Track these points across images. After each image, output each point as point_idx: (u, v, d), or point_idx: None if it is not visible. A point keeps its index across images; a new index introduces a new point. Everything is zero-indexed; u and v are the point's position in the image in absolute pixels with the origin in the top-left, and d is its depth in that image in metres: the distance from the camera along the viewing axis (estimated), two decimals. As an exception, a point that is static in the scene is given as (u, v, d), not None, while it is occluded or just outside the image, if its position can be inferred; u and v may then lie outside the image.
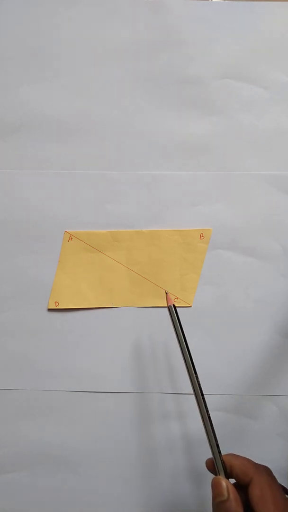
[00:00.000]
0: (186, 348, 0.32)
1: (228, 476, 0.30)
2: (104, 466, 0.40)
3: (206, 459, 0.32)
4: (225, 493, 0.29)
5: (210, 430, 0.31)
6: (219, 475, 0.30)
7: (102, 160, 0.39)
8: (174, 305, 0.33)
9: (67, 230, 0.39)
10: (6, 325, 0.39)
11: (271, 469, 0.31)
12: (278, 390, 0.40)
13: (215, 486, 0.29)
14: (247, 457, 0.31)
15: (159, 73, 0.39)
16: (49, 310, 0.40)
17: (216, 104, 0.39)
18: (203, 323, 0.40)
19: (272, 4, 0.39)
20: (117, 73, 0.39)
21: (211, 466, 0.31)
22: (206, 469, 0.32)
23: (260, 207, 0.40)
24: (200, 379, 0.32)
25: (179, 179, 0.39)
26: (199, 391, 0.31)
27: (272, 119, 0.39)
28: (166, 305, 0.40)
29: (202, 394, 0.31)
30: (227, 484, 0.29)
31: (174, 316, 0.32)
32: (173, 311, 0.33)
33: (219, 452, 0.31)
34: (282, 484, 0.31)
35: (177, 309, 0.33)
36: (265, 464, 0.31)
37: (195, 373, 0.32)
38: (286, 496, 0.30)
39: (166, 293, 0.35)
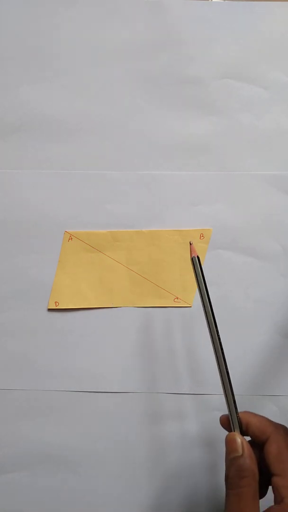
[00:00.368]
0: (206, 294, 0.31)
1: (243, 433, 0.30)
2: (104, 466, 0.40)
3: (221, 415, 0.31)
4: (240, 449, 0.28)
5: (228, 385, 0.30)
6: (234, 431, 0.29)
7: (102, 160, 0.39)
8: (198, 257, 0.31)
9: (67, 230, 0.39)
10: (6, 325, 0.39)
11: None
12: (278, 390, 0.40)
13: (230, 442, 0.29)
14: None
15: (159, 73, 0.39)
16: (49, 310, 0.40)
17: (216, 104, 0.39)
18: (203, 323, 0.40)
19: (272, 4, 0.39)
20: (117, 73, 0.39)
21: (226, 422, 0.30)
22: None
23: (260, 207, 0.40)
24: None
25: (179, 179, 0.39)
26: (217, 338, 0.30)
27: (272, 119, 0.39)
28: (164, 305, 0.40)
29: (221, 344, 0.30)
30: (242, 440, 0.28)
31: (198, 268, 0.31)
32: (196, 262, 0.31)
33: (236, 408, 0.30)
34: None
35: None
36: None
37: (214, 317, 0.31)
38: None
39: (190, 244, 0.33)
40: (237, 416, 0.30)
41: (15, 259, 0.39)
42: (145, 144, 0.39)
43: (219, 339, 0.31)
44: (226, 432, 0.30)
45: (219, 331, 0.31)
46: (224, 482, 0.28)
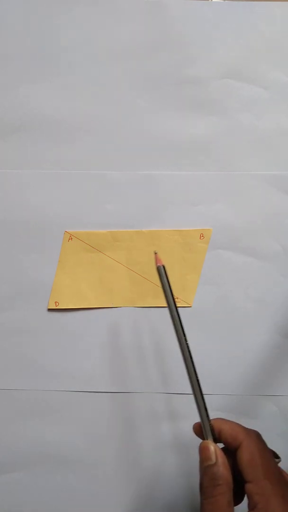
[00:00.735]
0: (173, 304, 0.30)
1: (216, 441, 0.29)
2: (104, 466, 0.40)
3: (194, 423, 0.31)
4: (213, 457, 0.28)
5: (199, 393, 0.30)
6: (207, 439, 0.29)
7: (102, 160, 0.39)
8: (163, 266, 0.31)
9: (67, 230, 0.39)
10: (6, 325, 0.39)
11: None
12: (278, 390, 0.40)
13: (203, 450, 0.29)
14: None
15: (159, 73, 0.39)
16: (49, 310, 0.40)
17: (216, 104, 0.39)
18: (203, 323, 0.40)
19: (272, 4, 0.39)
20: (117, 73, 0.39)
21: (199, 430, 0.30)
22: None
23: (260, 207, 0.40)
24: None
25: (179, 179, 0.39)
26: (186, 349, 0.30)
27: (272, 119, 0.39)
28: (164, 305, 0.40)
29: (191, 355, 0.30)
30: (215, 448, 0.28)
31: (164, 277, 0.31)
32: (162, 272, 0.31)
33: (208, 416, 0.30)
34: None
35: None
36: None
37: (182, 329, 0.30)
38: (276, 460, 0.29)
39: (155, 253, 0.32)
40: (209, 424, 0.30)
41: (15, 259, 0.39)
42: (145, 144, 0.39)
43: (188, 347, 0.30)
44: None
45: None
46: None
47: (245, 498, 0.28)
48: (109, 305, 0.40)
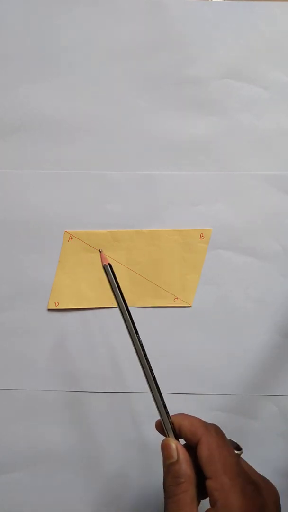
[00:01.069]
0: (123, 303, 0.30)
1: (178, 437, 0.29)
2: (104, 466, 0.40)
3: (156, 420, 0.30)
4: (175, 454, 0.28)
5: (156, 390, 0.30)
6: (169, 436, 0.29)
7: (102, 160, 0.39)
8: (110, 264, 0.31)
9: (67, 230, 0.39)
10: (6, 325, 0.39)
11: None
12: (278, 390, 0.40)
13: (164, 448, 0.28)
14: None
15: (159, 73, 0.39)
16: (49, 310, 0.40)
17: (216, 104, 0.39)
18: (203, 323, 0.40)
19: (272, 4, 0.39)
20: (117, 73, 0.39)
21: (160, 427, 0.30)
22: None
23: (260, 207, 0.40)
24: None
25: (179, 179, 0.39)
26: (141, 350, 0.30)
27: (272, 119, 0.39)
28: (164, 305, 0.40)
29: (145, 354, 0.30)
30: (176, 445, 0.28)
31: (111, 276, 0.31)
32: (108, 270, 0.31)
33: (167, 413, 0.30)
34: (250, 464, 0.30)
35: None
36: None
37: (135, 329, 0.30)
38: (237, 452, 0.29)
39: (100, 252, 0.32)
40: (169, 420, 0.29)
41: (15, 259, 0.39)
42: (145, 144, 0.39)
43: (141, 344, 0.30)
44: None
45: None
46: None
47: None
48: (109, 305, 0.40)
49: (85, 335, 0.40)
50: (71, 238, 0.39)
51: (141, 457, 0.40)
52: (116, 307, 0.39)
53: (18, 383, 0.40)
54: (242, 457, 0.30)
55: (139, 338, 0.30)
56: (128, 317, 0.30)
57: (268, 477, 0.30)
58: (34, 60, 0.39)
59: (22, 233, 0.39)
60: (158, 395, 0.30)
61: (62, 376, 0.40)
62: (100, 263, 0.39)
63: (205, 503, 0.28)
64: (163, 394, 0.39)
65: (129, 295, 0.40)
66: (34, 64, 0.39)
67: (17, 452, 0.40)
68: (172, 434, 0.29)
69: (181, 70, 0.39)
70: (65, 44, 0.39)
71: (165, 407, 0.30)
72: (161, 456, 0.40)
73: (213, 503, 0.26)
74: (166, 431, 0.29)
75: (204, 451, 0.27)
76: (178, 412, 0.30)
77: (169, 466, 0.28)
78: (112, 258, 0.40)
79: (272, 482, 0.30)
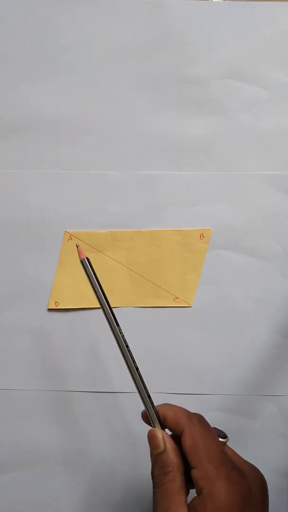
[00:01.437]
0: (102, 296, 0.30)
1: (164, 427, 0.29)
2: (104, 466, 0.40)
3: (142, 410, 0.30)
4: (161, 444, 0.28)
5: (140, 382, 0.30)
6: (155, 427, 0.29)
7: (102, 160, 0.39)
8: (87, 258, 0.30)
9: (67, 230, 0.39)
10: (6, 325, 0.39)
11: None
12: (278, 390, 0.40)
13: (151, 438, 0.29)
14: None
15: (159, 73, 0.39)
16: (49, 310, 0.40)
17: (216, 104, 0.39)
18: (203, 323, 0.40)
19: (272, 4, 0.39)
20: (117, 73, 0.39)
21: (146, 418, 0.30)
22: None
23: (260, 207, 0.40)
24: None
25: (179, 179, 0.39)
26: (122, 342, 0.30)
27: (272, 119, 0.39)
28: (164, 305, 0.40)
29: (127, 346, 0.30)
30: (163, 435, 0.28)
31: (89, 270, 0.30)
32: (86, 264, 0.30)
33: (152, 403, 0.30)
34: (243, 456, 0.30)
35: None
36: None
37: (116, 322, 0.30)
38: (222, 440, 0.29)
39: (77, 246, 0.31)
40: (154, 411, 0.30)
41: (15, 259, 0.39)
42: (145, 144, 0.39)
43: (123, 336, 0.30)
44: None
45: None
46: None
47: None
48: (109, 305, 0.40)
49: (85, 335, 0.40)
50: (71, 238, 0.39)
51: (142, 457, 0.40)
52: (116, 307, 0.40)
53: (18, 383, 0.40)
54: (228, 444, 0.30)
55: (120, 330, 0.30)
56: (107, 306, 0.30)
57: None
58: (34, 60, 0.39)
59: (22, 233, 0.39)
60: (142, 386, 0.30)
61: (62, 376, 0.40)
62: (100, 264, 0.40)
63: (194, 492, 0.28)
64: (162, 394, 0.39)
65: (129, 295, 0.40)
66: (34, 64, 0.39)
67: (17, 452, 0.40)
68: (158, 424, 0.29)
69: (181, 70, 0.39)
70: (65, 44, 0.39)
71: (149, 397, 0.30)
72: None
73: (199, 492, 0.26)
74: (152, 422, 0.30)
75: (188, 441, 0.28)
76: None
77: (156, 456, 0.28)
78: (112, 258, 0.40)
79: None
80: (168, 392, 0.40)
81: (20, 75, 0.39)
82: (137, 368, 0.30)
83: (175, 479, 0.27)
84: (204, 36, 0.39)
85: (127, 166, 0.39)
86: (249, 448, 0.40)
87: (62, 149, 0.39)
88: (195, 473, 0.27)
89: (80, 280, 0.40)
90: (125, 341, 0.30)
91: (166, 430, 0.29)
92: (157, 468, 0.28)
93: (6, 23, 0.38)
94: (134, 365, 0.30)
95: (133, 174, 0.39)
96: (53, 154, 0.39)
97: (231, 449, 0.30)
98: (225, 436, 0.30)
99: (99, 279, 0.30)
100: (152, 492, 0.28)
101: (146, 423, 0.30)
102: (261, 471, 0.30)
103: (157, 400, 0.40)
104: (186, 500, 0.27)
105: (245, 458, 0.30)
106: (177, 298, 0.40)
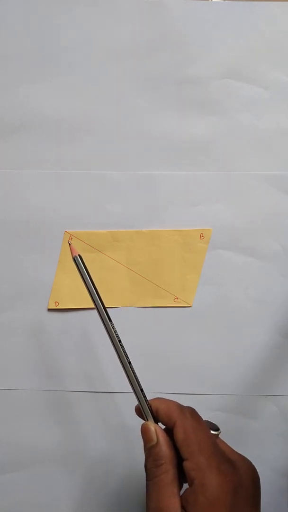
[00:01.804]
0: (95, 292, 0.30)
1: (157, 421, 0.30)
2: (104, 466, 0.40)
3: (136, 405, 0.31)
4: (154, 437, 0.28)
5: (132, 376, 0.30)
6: (148, 420, 0.30)
7: (102, 160, 0.39)
8: (80, 256, 0.31)
9: (67, 230, 0.39)
10: (6, 325, 0.39)
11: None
12: (278, 390, 0.40)
13: (144, 431, 0.29)
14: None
15: (159, 73, 0.39)
16: (49, 310, 0.40)
17: (216, 104, 0.39)
18: (203, 323, 0.40)
19: (272, 4, 0.39)
20: (117, 73, 0.39)
21: (139, 412, 0.31)
22: None
23: (260, 207, 0.40)
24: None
25: (179, 179, 0.39)
26: (115, 336, 0.30)
27: (272, 119, 0.39)
28: (164, 305, 0.40)
29: (120, 341, 0.30)
30: (155, 428, 0.29)
31: (81, 267, 0.31)
32: (79, 261, 0.31)
33: (145, 397, 0.30)
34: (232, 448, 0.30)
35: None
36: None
37: (108, 317, 0.30)
38: (214, 433, 0.29)
39: (69, 244, 0.32)
40: (147, 405, 0.30)
41: (15, 259, 0.39)
42: (145, 144, 0.39)
43: (116, 331, 0.30)
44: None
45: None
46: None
47: None
48: (109, 305, 0.40)
49: (85, 335, 0.40)
50: (71, 238, 0.39)
51: (142, 458, 0.40)
52: (116, 307, 0.40)
53: (18, 383, 0.40)
54: (221, 437, 0.30)
55: (113, 325, 0.30)
56: (99, 302, 0.30)
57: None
58: (34, 60, 0.39)
59: (22, 233, 0.39)
60: (135, 379, 0.30)
61: (61, 376, 0.40)
62: (100, 264, 0.40)
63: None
64: (162, 394, 0.39)
65: (129, 295, 0.40)
66: (34, 64, 0.39)
67: (17, 452, 0.40)
68: (151, 418, 0.30)
69: (181, 70, 0.39)
70: (65, 44, 0.39)
71: (142, 391, 0.30)
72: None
73: (190, 483, 0.27)
74: (145, 415, 0.30)
75: (180, 434, 0.28)
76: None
77: (149, 449, 0.29)
78: (112, 258, 0.40)
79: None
80: (168, 392, 0.40)
81: (20, 75, 0.39)
82: (129, 363, 0.30)
83: (168, 471, 0.27)
84: (204, 36, 0.39)
85: (127, 166, 0.39)
86: (249, 448, 0.40)
87: (62, 149, 0.39)
88: (187, 464, 0.27)
89: (80, 280, 0.39)
90: (117, 336, 0.30)
91: (159, 424, 0.30)
92: (150, 461, 0.28)
93: (6, 23, 0.38)
94: (127, 359, 0.30)
95: (133, 174, 0.39)
96: (53, 154, 0.39)
97: (222, 441, 0.30)
98: (217, 429, 0.30)
99: (91, 276, 0.30)
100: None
101: (139, 417, 0.31)
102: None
103: (157, 400, 0.40)
104: (178, 492, 0.27)
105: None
106: (177, 298, 0.40)
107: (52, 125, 0.39)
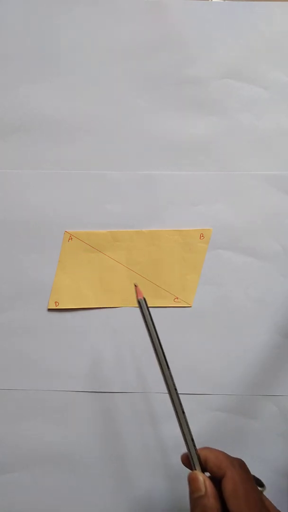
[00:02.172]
0: (158, 343, 0.31)
1: (203, 470, 0.30)
2: (104, 466, 0.40)
3: (182, 454, 0.31)
4: (202, 488, 0.28)
5: (185, 423, 0.30)
6: (195, 469, 0.30)
7: (102, 160, 0.39)
8: (144, 299, 0.31)
9: (67, 230, 0.39)
10: (6, 325, 0.39)
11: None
12: (278, 390, 0.40)
13: (192, 481, 0.29)
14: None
15: (159, 73, 0.39)
16: (49, 310, 0.40)
17: (216, 104, 0.39)
18: (203, 323, 0.40)
19: (272, 4, 0.39)
20: (117, 73, 0.39)
21: (186, 460, 0.30)
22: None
23: (260, 207, 0.40)
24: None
25: (179, 179, 0.39)
26: (172, 383, 0.30)
27: (272, 119, 0.39)
28: (164, 305, 0.40)
29: (175, 387, 0.30)
30: (204, 478, 0.29)
31: (145, 310, 0.31)
32: (143, 304, 0.31)
33: (194, 446, 0.30)
34: (258, 478, 0.30)
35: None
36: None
37: (167, 365, 0.31)
38: (259, 489, 0.29)
39: (135, 286, 0.32)
40: (196, 453, 0.30)
41: (15, 259, 0.39)
42: (145, 144, 0.39)
43: (173, 380, 0.31)
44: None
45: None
46: None
47: None
48: (109, 305, 0.40)
49: (85, 335, 0.40)
50: (71, 238, 0.39)
51: (142, 457, 0.40)
52: (116, 307, 0.40)
53: (18, 383, 0.40)
54: (265, 494, 0.30)
55: (170, 374, 0.30)
56: (159, 347, 0.31)
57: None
58: (34, 60, 0.39)
59: (22, 233, 0.39)
60: (188, 430, 0.30)
61: (62, 376, 0.40)
62: (100, 264, 0.40)
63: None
64: (162, 394, 0.39)
65: (129, 295, 0.40)
66: (34, 64, 0.39)
67: (17, 452, 0.40)
68: (199, 467, 0.30)
69: (181, 70, 0.39)
70: (65, 44, 0.39)
71: (192, 440, 0.30)
72: (160, 457, 0.40)
73: None
74: (193, 464, 0.30)
75: (229, 485, 0.28)
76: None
77: (196, 499, 0.28)
78: (112, 258, 0.40)
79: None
80: (167, 392, 0.39)
81: (20, 75, 0.39)
82: (183, 412, 0.30)
83: None
84: (204, 36, 0.39)
85: (127, 166, 0.39)
86: (249, 448, 0.40)
87: (62, 149, 0.39)
88: None
89: (80, 280, 0.40)
90: (174, 385, 0.30)
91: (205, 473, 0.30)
92: (197, 511, 0.28)
93: (6, 23, 0.38)
94: (182, 410, 0.30)
95: (133, 174, 0.39)
96: (53, 154, 0.39)
97: (267, 499, 0.30)
98: (262, 485, 0.30)
99: (153, 320, 0.31)
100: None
101: (185, 465, 0.31)
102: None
103: (157, 400, 0.40)
104: None
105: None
106: (177, 298, 0.40)
107: (52, 125, 0.39)
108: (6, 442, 0.40)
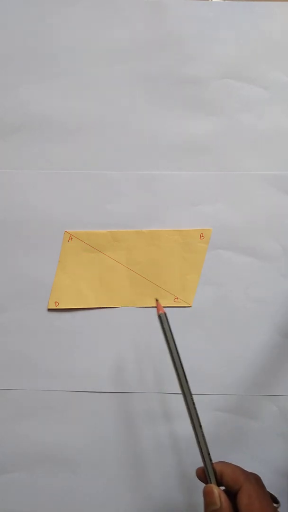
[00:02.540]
0: (178, 358, 0.31)
1: (218, 484, 0.30)
2: (104, 466, 0.40)
3: (197, 468, 0.31)
4: (218, 501, 0.28)
5: (202, 438, 0.30)
6: (211, 483, 0.30)
7: (102, 160, 0.39)
8: (165, 314, 0.32)
9: (67, 230, 0.39)
10: (6, 325, 0.39)
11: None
12: (278, 390, 0.40)
13: (208, 494, 0.29)
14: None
15: (159, 73, 0.39)
16: (49, 310, 0.40)
17: (216, 104, 0.39)
18: (203, 323, 0.40)
19: (272, 4, 0.39)
20: (117, 73, 0.39)
21: (202, 474, 0.31)
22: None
23: (260, 207, 0.40)
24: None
25: (179, 179, 0.39)
26: (190, 399, 0.31)
27: (272, 119, 0.39)
28: (164, 305, 0.40)
29: (194, 405, 0.31)
30: (219, 492, 0.29)
31: (166, 325, 0.31)
32: (164, 319, 0.31)
33: (211, 460, 0.30)
34: (271, 492, 0.30)
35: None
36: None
37: (187, 383, 0.31)
38: (274, 505, 0.30)
39: (156, 300, 0.33)
40: (212, 467, 0.30)
41: (15, 259, 0.39)
42: (145, 144, 0.39)
43: (191, 395, 0.31)
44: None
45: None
46: None
47: None
48: (109, 305, 0.40)
49: (85, 335, 0.40)
50: (71, 238, 0.39)
51: (141, 457, 0.40)
52: (116, 307, 0.40)
53: (18, 383, 0.40)
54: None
55: (189, 389, 0.31)
56: (179, 362, 0.31)
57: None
58: (34, 60, 0.39)
59: (22, 233, 0.39)
60: (204, 445, 0.30)
61: (62, 376, 0.40)
62: (100, 264, 0.40)
63: None
64: (162, 394, 0.39)
65: (129, 295, 0.40)
66: (34, 64, 0.39)
67: (17, 452, 0.40)
68: (215, 481, 0.30)
69: (181, 70, 0.39)
70: (65, 44, 0.39)
71: (209, 454, 0.30)
72: (160, 457, 0.40)
73: None
74: (209, 478, 0.30)
75: (244, 499, 0.28)
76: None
77: None
78: (112, 258, 0.40)
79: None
80: (168, 392, 0.40)
81: (20, 75, 0.39)
82: (200, 426, 0.30)
83: None
84: (204, 36, 0.39)
85: (127, 166, 0.39)
86: (249, 448, 0.40)
87: (62, 149, 0.39)
88: None
89: (80, 280, 0.40)
90: (192, 400, 0.31)
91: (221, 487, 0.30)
92: None
93: (6, 23, 0.38)
94: (199, 423, 0.30)
95: (133, 174, 0.39)
96: (53, 154, 0.39)
97: None
98: (277, 501, 0.30)
99: (173, 335, 0.31)
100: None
101: (200, 479, 0.31)
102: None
103: (157, 400, 0.40)
104: None
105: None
106: (177, 298, 0.40)
107: (52, 125, 0.39)
108: (6, 442, 0.40)
